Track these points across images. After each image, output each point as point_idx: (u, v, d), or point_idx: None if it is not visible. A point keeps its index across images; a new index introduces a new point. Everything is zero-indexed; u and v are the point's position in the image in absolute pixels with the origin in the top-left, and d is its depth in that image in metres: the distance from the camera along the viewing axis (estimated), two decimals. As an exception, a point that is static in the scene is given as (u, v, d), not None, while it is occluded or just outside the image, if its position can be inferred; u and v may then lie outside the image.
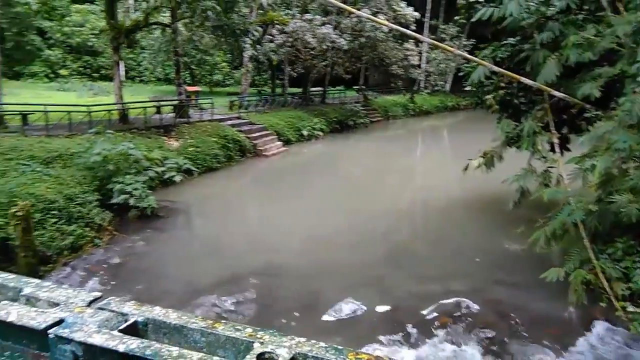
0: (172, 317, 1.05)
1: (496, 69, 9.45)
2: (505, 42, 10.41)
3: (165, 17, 22.36)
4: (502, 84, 10.51)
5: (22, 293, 1.22)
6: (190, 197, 14.74)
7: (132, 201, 12.12)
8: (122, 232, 11.54)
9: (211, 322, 1.00)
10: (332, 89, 36.98)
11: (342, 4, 15.02)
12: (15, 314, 1.08)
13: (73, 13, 37.74)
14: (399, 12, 30.59)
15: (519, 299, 8.12)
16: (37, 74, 36.13)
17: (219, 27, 20.31)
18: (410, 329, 7.15)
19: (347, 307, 7.82)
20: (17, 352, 1.08)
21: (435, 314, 7.63)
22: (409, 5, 31.63)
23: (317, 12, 28.94)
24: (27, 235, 8.69)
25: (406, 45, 36.03)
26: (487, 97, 10.68)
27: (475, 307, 7.78)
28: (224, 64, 39.21)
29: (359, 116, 32.64)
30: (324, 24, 27.13)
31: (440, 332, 7.08)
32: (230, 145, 19.88)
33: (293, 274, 9.46)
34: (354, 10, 16.36)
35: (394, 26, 12.29)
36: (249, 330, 0.99)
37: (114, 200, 12.11)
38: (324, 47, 27.22)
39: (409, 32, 12.34)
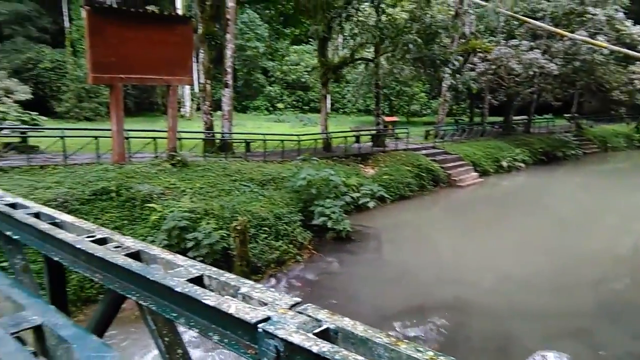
0: (359, 329, 1.13)
1: None
2: None
3: (369, 52, 23.75)
4: None
5: (239, 291, 1.45)
6: (382, 223, 15.11)
7: (329, 223, 12.99)
8: (319, 251, 12.44)
9: (394, 339, 1.06)
10: (538, 117, 34.12)
11: (554, 27, 13.89)
12: (234, 307, 1.30)
13: (291, 53, 42.78)
14: (624, 32, 26.86)
15: None
16: (259, 107, 41.78)
17: (419, 59, 20.69)
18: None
19: None
20: (233, 341, 1.30)
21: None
22: (635, 23, 27.56)
23: (525, 37, 27.28)
24: (243, 247, 10.04)
25: (631, 67, 31.31)
26: None
27: None
28: (422, 94, 39.65)
29: (569, 147, 29.41)
30: (531, 48, 25.41)
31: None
32: (423, 174, 19.88)
33: (483, 313, 8.90)
34: (566, 33, 14.99)
35: (617, 48, 10.89)
36: (430, 353, 1.01)
37: (314, 222, 13.15)
38: (531, 73, 25.43)
39: (635, 53, 10.76)
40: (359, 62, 25.26)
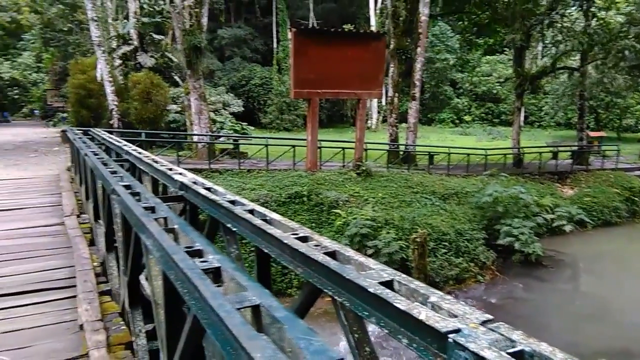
0: (559, 356, 1.07)
1: None
2: None
3: (573, 60, 21.49)
4: None
5: (428, 300, 1.49)
6: (580, 250, 13.44)
7: (517, 245, 12.07)
8: (503, 273, 11.64)
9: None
10: None
11: None
12: (424, 314, 1.35)
13: (483, 64, 41.03)
14: None
15: None
16: (444, 119, 40.97)
17: (636, 67, 17.92)
18: None
19: None
20: (422, 347, 1.34)
21: None
22: None
23: None
24: (421, 260, 9.97)
25: None
26: None
27: None
28: (638, 106, 34.17)
29: None
30: None
31: None
32: (636, 198, 17.08)
33: None
34: None
35: None
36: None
37: (499, 241, 12.37)
38: None
39: None
40: (561, 71, 22.99)
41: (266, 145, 14.66)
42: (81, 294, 4.07)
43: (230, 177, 13.06)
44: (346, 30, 15.72)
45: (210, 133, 17.20)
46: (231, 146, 17.50)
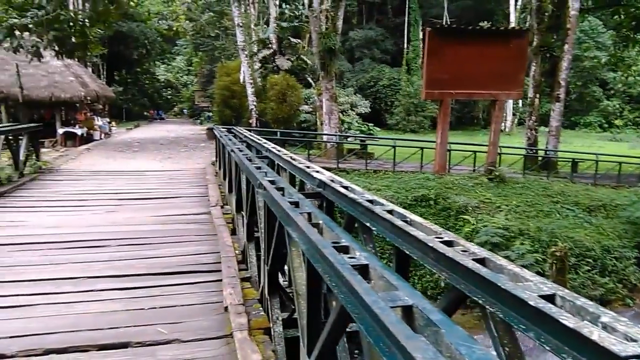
0: None
1: None
2: None
3: None
4: None
5: (599, 320, 1.37)
6: None
7: (678, 269, 10.52)
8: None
9: None
10: None
11: None
12: (597, 335, 1.24)
13: (640, 62, 36.38)
14: None
15: None
16: (591, 123, 37.10)
17: None
18: None
19: None
20: None
21: None
22: None
23: None
24: (560, 276, 9.15)
25: None
26: None
27: None
28: None
29: None
30: None
31: None
32: None
33: None
34: None
35: None
36: None
37: (655, 263, 10.90)
38: None
39: None
40: None
41: (393, 147, 14.61)
42: (225, 278, 4.43)
43: (356, 177, 13.25)
44: (485, 27, 15.02)
45: (339, 133, 17.62)
46: (358, 146, 17.74)
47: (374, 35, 37.53)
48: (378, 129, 25.98)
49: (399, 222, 2.50)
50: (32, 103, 18.42)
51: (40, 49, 14.36)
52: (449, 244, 2.15)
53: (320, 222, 2.64)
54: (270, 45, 21.97)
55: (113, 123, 25.91)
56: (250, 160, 5.30)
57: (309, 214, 2.86)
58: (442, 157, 13.55)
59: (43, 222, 6.61)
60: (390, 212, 2.81)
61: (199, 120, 34.92)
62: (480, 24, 15.88)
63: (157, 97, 43.09)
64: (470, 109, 35.30)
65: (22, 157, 10.18)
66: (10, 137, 9.94)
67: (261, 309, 3.94)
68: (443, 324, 1.30)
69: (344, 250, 2.08)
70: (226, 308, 3.87)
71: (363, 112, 28.34)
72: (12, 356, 3.18)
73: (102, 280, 4.53)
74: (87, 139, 19.17)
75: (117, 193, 8.65)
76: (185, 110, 45.41)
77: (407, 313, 1.52)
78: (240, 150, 6.38)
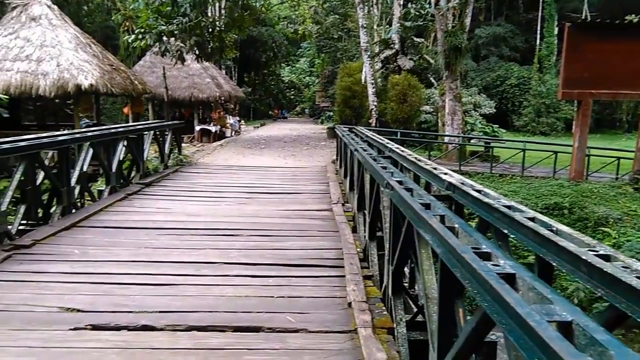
0: None
1: None
2: None
3: None
4: None
5: None
6: None
7: None
8: None
9: None
10: None
11: None
12: None
13: None
14: None
15: None
16: None
17: None
18: None
19: None
20: None
21: None
22: None
23: None
24: None
25: None
26: None
27: None
28: None
29: None
30: None
31: None
32: None
33: None
34: None
35: None
36: None
37: None
38: None
39: None
40: None
41: (523, 150, 13.68)
42: (349, 274, 4.51)
43: (480, 181, 12.60)
44: (634, 22, 13.46)
45: (462, 134, 16.98)
46: (482, 149, 16.92)
47: (502, 31, 35.48)
48: (504, 130, 24.49)
49: (544, 231, 2.34)
50: (175, 102, 20.47)
51: (183, 53, 15.88)
52: (605, 258, 1.96)
53: (456, 225, 2.57)
54: (392, 45, 21.86)
55: (242, 121, 27.80)
56: (375, 159, 5.32)
57: (442, 216, 2.79)
58: (580, 163, 12.39)
59: (185, 209, 7.31)
60: (532, 219, 2.64)
61: (319, 120, 35.98)
62: (627, 17, 14.16)
63: (281, 97, 45.18)
64: (612, 110, 31.78)
65: (167, 150, 11.37)
66: (158, 133, 11.15)
67: (384, 308, 3.94)
68: (612, 345, 1.18)
69: (486, 256, 2.00)
70: (350, 304, 3.93)
71: (487, 112, 26.93)
72: (161, 329, 3.55)
73: (236, 267, 4.87)
74: (220, 135, 20.80)
75: (247, 187, 9.26)
76: (306, 110, 47.12)
77: (566, 329, 1.41)
78: (364, 150, 6.44)
